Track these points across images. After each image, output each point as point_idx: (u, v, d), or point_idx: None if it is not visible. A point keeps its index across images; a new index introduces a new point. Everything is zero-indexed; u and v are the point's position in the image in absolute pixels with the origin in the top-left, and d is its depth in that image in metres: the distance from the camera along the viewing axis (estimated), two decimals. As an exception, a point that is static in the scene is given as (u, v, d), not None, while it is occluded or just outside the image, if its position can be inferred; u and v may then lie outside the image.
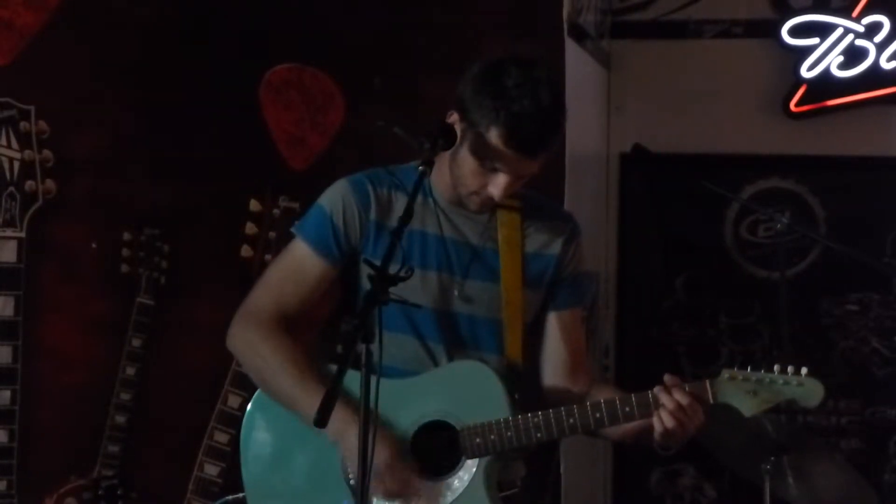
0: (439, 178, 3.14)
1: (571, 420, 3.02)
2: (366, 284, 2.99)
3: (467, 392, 3.07)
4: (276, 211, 4.63)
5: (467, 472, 3.05)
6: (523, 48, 3.12)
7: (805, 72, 5.49)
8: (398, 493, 3.04)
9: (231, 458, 4.57)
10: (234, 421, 4.57)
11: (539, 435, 3.03)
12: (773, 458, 3.94)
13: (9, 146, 4.34)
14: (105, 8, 4.51)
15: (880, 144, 5.55)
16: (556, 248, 3.19)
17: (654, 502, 5.64)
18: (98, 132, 4.48)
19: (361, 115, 4.67)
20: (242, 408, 4.55)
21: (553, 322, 3.22)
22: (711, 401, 2.99)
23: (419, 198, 3.09)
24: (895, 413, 5.53)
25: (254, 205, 4.62)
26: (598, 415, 3.01)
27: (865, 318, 5.54)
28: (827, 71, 5.47)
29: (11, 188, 4.35)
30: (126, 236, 4.51)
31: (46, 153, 4.37)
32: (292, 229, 3.24)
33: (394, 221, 3.08)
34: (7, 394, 4.35)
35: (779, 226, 4.81)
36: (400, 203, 3.14)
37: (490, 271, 3.15)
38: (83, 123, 4.46)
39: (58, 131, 4.39)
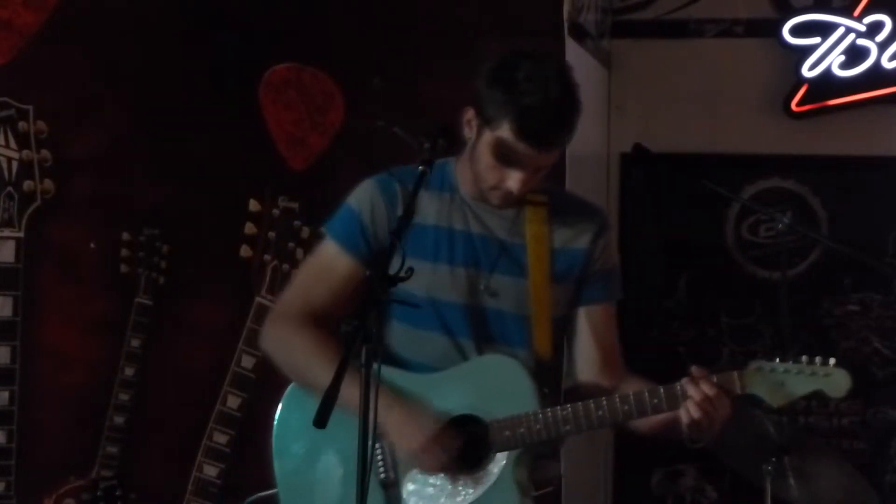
0: (464, 175, 3.17)
1: (600, 412, 3.03)
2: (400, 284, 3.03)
3: (496, 386, 3.08)
4: (275, 211, 4.63)
5: (496, 466, 3.05)
6: (524, 48, 3.12)
7: (806, 71, 5.48)
8: (446, 468, 3.05)
9: (230, 458, 4.57)
10: (233, 422, 4.57)
11: (568, 427, 3.03)
12: (774, 459, 3.94)
13: (7, 146, 4.34)
14: (105, 8, 4.51)
15: (882, 144, 5.54)
16: (584, 242, 3.19)
17: (654, 503, 5.63)
18: (97, 132, 4.48)
19: (361, 115, 4.66)
20: (241, 408, 4.58)
21: (584, 317, 3.22)
22: (739, 391, 2.99)
23: (446, 195, 3.16)
24: (896, 413, 5.53)
25: (253, 205, 4.62)
26: (626, 407, 3.02)
27: (866, 319, 5.53)
28: (828, 70, 5.46)
29: (10, 188, 4.35)
30: (125, 236, 4.51)
31: (45, 153, 4.37)
32: (321, 229, 3.26)
33: (420, 219, 3.13)
34: (6, 394, 4.35)
35: (780, 226, 4.80)
36: (426, 201, 3.16)
37: (518, 266, 3.15)
38: (82, 123, 4.46)
39: (56, 131, 4.39)
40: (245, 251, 4.60)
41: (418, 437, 3.03)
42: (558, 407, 3.05)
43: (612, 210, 5.63)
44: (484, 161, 3.05)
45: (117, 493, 4.49)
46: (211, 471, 4.57)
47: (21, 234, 4.35)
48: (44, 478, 4.43)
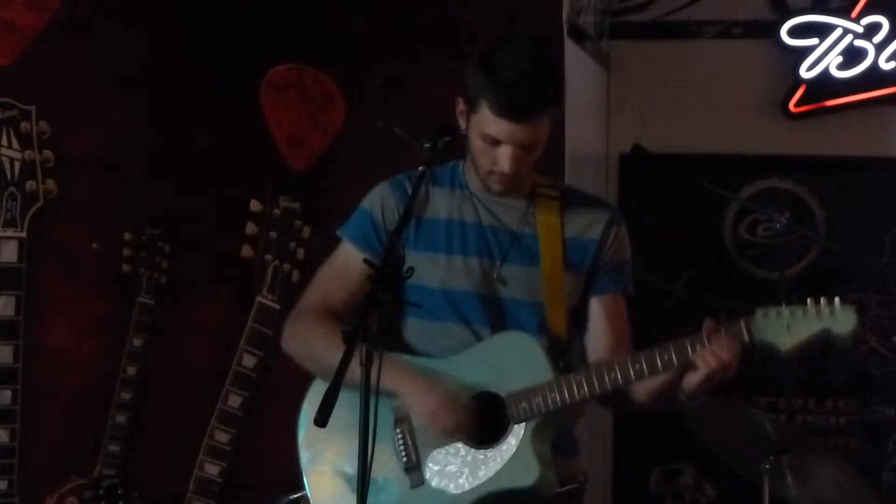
0: (470, 170, 3.22)
1: (612, 374, 3.05)
2: (414, 279, 3.07)
3: (510, 361, 3.11)
4: (276, 211, 4.64)
5: (515, 437, 3.08)
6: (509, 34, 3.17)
7: (804, 72, 5.49)
8: (461, 428, 3.08)
9: (232, 457, 4.58)
10: (234, 420, 4.58)
11: (582, 392, 3.05)
12: (772, 458, 3.94)
13: (10, 146, 4.35)
14: (105, 9, 4.52)
15: (879, 145, 5.55)
16: (596, 233, 3.22)
17: (653, 502, 5.64)
18: (99, 132, 4.49)
19: (361, 115, 4.67)
20: (243, 407, 4.59)
21: (595, 307, 3.25)
22: (747, 339, 3.01)
23: (457, 191, 3.21)
24: (894, 412, 5.53)
25: (254, 205, 4.63)
26: (637, 366, 3.04)
27: (864, 318, 5.53)
28: (826, 71, 5.47)
29: (12, 188, 4.36)
30: (127, 236, 4.52)
31: (47, 153, 4.38)
32: (337, 232, 3.29)
33: (431, 213, 3.20)
34: (8, 393, 4.36)
35: (778, 226, 4.81)
36: (438, 197, 3.22)
37: (530, 255, 3.19)
38: (84, 124, 4.47)
39: (58, 131, 4.40)
40: (246, 251, 4.61)
41: (433, 396, 3.07)
42: (571, 374, 3.08)
43: (611, 210, 5.64)
44: (476, 146, 3.11)
45: (119, 492, 4.50)
46: (212, 469, 4.58)
47: (23, 234, 4.36)
48: (46, 476, 4.44)
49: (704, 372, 3.00)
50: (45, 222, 4.39)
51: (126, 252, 4.53)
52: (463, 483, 3.09)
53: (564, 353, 3.19)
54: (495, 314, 3.18)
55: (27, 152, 4.36)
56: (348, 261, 3.23)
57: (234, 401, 4.58)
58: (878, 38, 5.43)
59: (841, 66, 5.46)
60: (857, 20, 5.44)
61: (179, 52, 4.59)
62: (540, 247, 3.19)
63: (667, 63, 5.66)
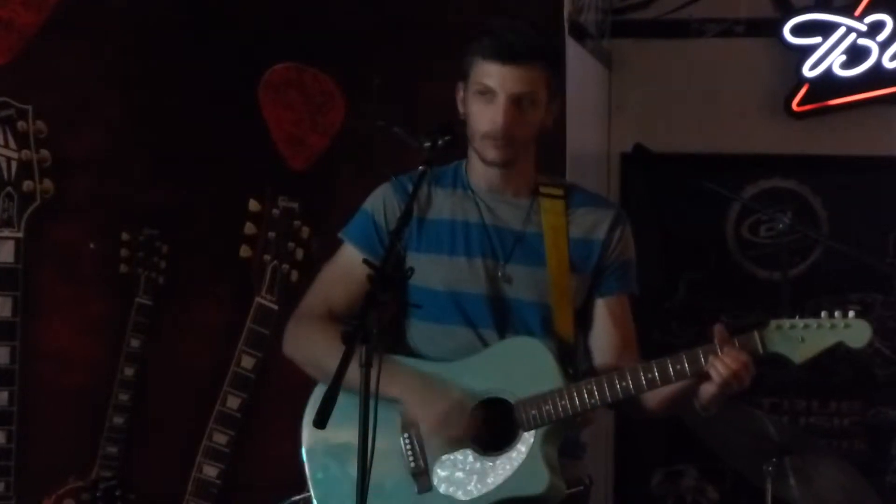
0: (472, 169, 3.22)
1: (624, 383, 3.04)
2: (414, 278, 3.08)
3: (520, 367, 3.10)
4: (275, 211, 4.63)
5: (524, 444, 3.07)
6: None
7: (807, 71, 5.47)
8: (464, 437, 3.07)
9: (230, 459, 4.57)
10: (233, 422, 4.57)
11: (593, 400, 3.04)
12: (775, 460, 3.93)
13: (6, 146, 4.34)
14: (104, 8, 4.51)
15: (882, 144, 5.54)
16: (600, 233, 3.21)
17: (655, 503, 5.63)
18: (96, 132, 4.48)
19: (361, 115, 4.66)
20: (242, 409, 4.57)
21: (600, 308, 3.24)
22: (761, 350, 3.00)
23: (459, 191, 3.21)
24: (897, 414, 5.53)
25: (253, 205, 4.62)
26: (649, 375, 3.03)
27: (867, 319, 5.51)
28: (829, 70, 5.46)
29: (9, 188, 4.34)
30: (124, 236, 4.51)
31: (44, 153, 4.37)
32: (339, 235, 3.28)
33: (434, 215, 3.20)
34: (5, 395, 4.35)
35: (780, 226, 4.80)
36: (440, 198, 3.21)
37: (535, 255, 3.18)
38: (81, 123, 4.46)
39: (56, 131, 4.39)
40: (245, 251, 4.60)
41: (439, 404, 3.06)
42: (582, 382, 3.07)
43: (613, 210, 5.63)
44: (473, 111, 3.12)
45: (117, 494, 4.49)
46: (211, 471, 4.56)
47: (20, 235, 4.34)
48: (43, 478, 4.43)
49: (718, 383, 2.99)
50: (42, 222, 4.37)
51: (124, 252, 4.51)
52: (472, 490, 3.08)
53: (571, 356, 3.19)
54: (500, 315, 3.16)
55: (24, 152, 4.35)
56: (350, 263, 3.20)
57: (233, 402, 4.57)
58: (881, 37, 5.42)
59: (844, 65, 5.45)
60: (860, 19, 5.43)
61: (178, 51, 4.58)
62: (546, 248, 3.18)
63: (669, 62, 5.65)
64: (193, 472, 4.55)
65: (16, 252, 4.34)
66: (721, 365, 2.98)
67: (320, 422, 2.66)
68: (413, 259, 3.17)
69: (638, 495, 5.63)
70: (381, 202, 3.22)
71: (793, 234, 5.05)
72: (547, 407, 3.05)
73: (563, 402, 3.04)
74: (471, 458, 3.09)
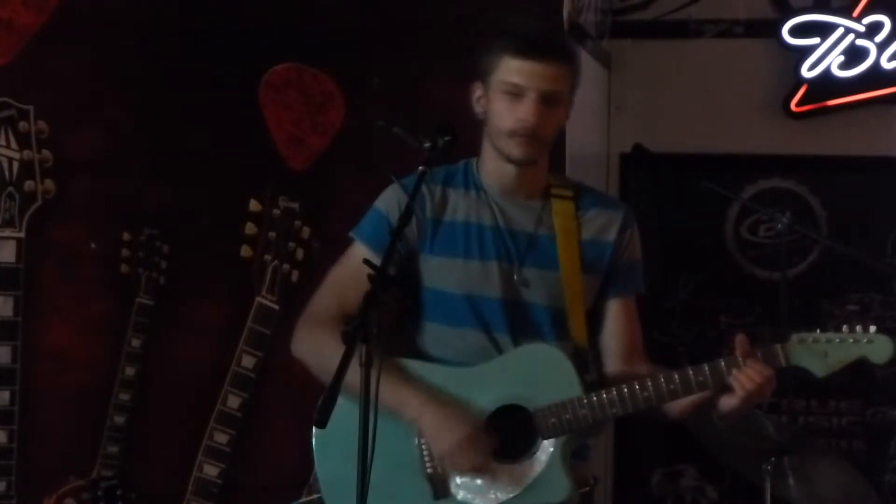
0: (486, 170, 3.22)
1: (646, 393, 3.04)
2: (429, 281, 3.11)
3: (538, 374, 3.09)
4: (275, 211, 4.63)
5: (544, 453, 3.06)
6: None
7: (806, 72, 5.48)
8: (477, 468, 3.06)
9: (231, 458, 4.57)
10: (233, 421, 4.57)
11: (614, 410, 3.05)
12: (774, 459, 3.94)
13: (8, 146, 4.34)
14: (105, 8, 4.51)
15: (881, 144, 5.54)
16: (611, 235, 3.22)
17: (654, 503, 5.63)
18: (97, 132, 4.48)
19: (361, 115, 4.66)
20: (242, 408, 4.58)
21: (611, 309, 3.24)
22: (784, 364, 3.01)
23: (472, 193, 3.20)
24: (896, 413, 5.53)
25: (253, 205, 4.62)
26: (671, 386, 3.04)
27: (866, 319, 5.46)
28: (828, 71, 5.47)
29: (10, 188, 4.35)
30: (125, 236, 4.51)
31: (45, 153, 4.37)
32: (350, 234, 3.25)
33: (449, 216, 3.18)
34: (6, 394, 4.35)
35: (779, 226, 4.80)
36: (454, 198, 3.20)
37: (547, 258, 3.18)
38: (82, 123, 4.46)
39: (57, 131, 4.39)
40: (245, 251, 4.60)
41: (450, 438, 3.04)
42: (602, 391, 3.06)
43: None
44: (497, 109, 3.11)
45: (118, 493, 4.49)
46: (211, 471, 4.56)
47: (22, 235, 4.35)
48: (44, 477, 4.43)
49: (741, 396, 3.00)
50: (43, 222, 4.38)
51: (125, 252, 4.51)
52: (491, 497, 3.08)
53: (586, 360, 3.19)
54: (515, 319, 3.16)
55: (25, 152, 4.35)
56: (361, 262, 3.14)
57: (234, 401, 4.57)
58: (879, 38, 5.42)
59: (843, 66, 5.45)
60: (858, 19, 5.43)
61: (179, 51, 4.58)
62: (558, 251, 3.18)
63: (668, 62, 5.65)
64: (194, 472, 4.55)
65: (17, 252, 4.34)
66: (745, 378, 2.99)
67: (321, 421, 2.66)
68: (428, 262, 3.17)
69: (637, 495, 5.63)
70: (396, 202, 3.18)
71: (792, 234, 5.05)
72: (567, 416, 3.05)
73: (584, 412, 3.05)
74: (491, 466, 3.07)
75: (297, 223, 4.64)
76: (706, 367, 3.03)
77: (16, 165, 4.35)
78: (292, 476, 4.06)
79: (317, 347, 3.19)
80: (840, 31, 5.44)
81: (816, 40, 5.47)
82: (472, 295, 3.15)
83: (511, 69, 3.08)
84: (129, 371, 4.50)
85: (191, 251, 4.59)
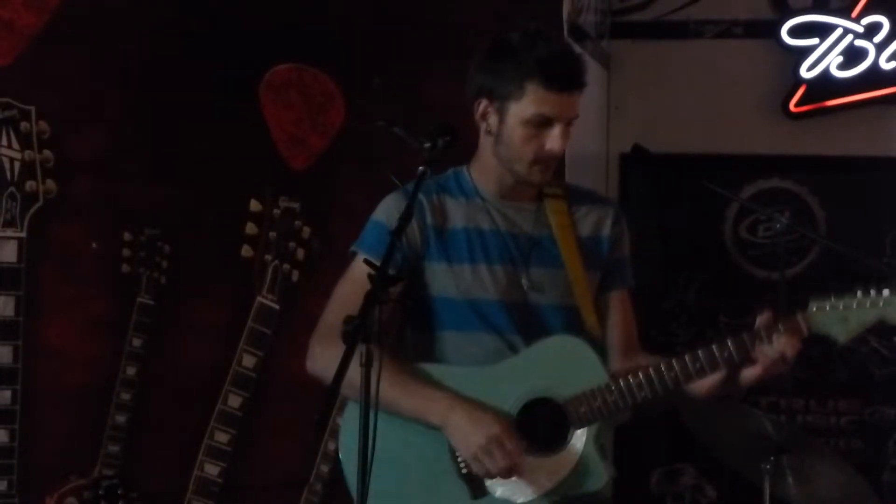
0: (483, 176, 3.21)
1: (672, 373, 3.04)
2: (436, 289, 3.11)
3: (563, 365, 3.09)
4: (276, 211, 4.64)
5: (579, 442, 3.07)
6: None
7: (805, 72, 5.49)
8: (509, 469, 3.04)
9: (231, 458, 4.58)
10: (234, 421, 4.58)
11: (643, 393, 3.05)
12: (772, 458, 3.94)
13: (9, 146, 4.34)
14: (105, 8, 4.51)
15: (880, 145, 5.55)
16: (606, 230, 3.24)
17: (654, 502, 5.64)
18: (98, 132, 4.49)
19: (361, 115, 4.66)
20: (243, 408, 4.58)
21: (609, 304, 3.26)
22: (806, 332, 3.01)
23: (467, 200, 3.20)
24: (894, 413, 5.54)
25: (254, 205, 4.63)
26: (698, 364, 3.03)
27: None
28: (826, 71, 5.47)
29: (12, 188, 4.35)
30: (126, 236, 4.51)
31: (47, 153, 4.38)
32: (351, 248, 3.23)
33: (450, 224, 3.18)
34: (7, 394, 4.35)
35: (778, 226, 4.82)
36: (451, 205, 3.20)
37: (551, 257, 3.19)
38: (83, 124, 4.46)
39: (58, 131, 4.40)
40: (246, 251, 4.61)
41: (477, 441, 3.02)
42: (629, 375, 3.06)
43: (612, 210, 5.64)
44: (518, 137, 3.10)
45: (119, 492, 4.49)
46: (212, 470, 4.57)
47: (23, 235, 4.35)
48: (46, 477, 4.43)
49: (764, 365, 3.01)
50: (44, 222, 4.38)
51: (126, 252, 4.52)
52: (529, 491, 3.07)
53: (603, 352, 3.18)
54: (523, 320, 3.16)
55: (27, 152, 4.36)
56: (366, 276, 3.10)
57: (234, 401, 4.57)
58: (878, 38, 5.43)
59: (841, 66, 5.46)
60: (857, 20, 5.44)
61: (179, 52, 4.58)
62: (560, 248, 3.19)
63: (667, 63, 5.66)
64: (195, 471, 4.55)
65: (18, 252, 4.35)
66: (770, 349, 2.98)
67: (322, 421, 2.66)
68: (433, 270, 3.17)
69: (637, 494, 5.63)
70: (395, 212, 3.13)
71: (790, 234, 5.07)
72: (597, 403, 3.05)
73: (613, 398, 3.05)
74: (526, 460, 3.06)
75: (298, 223, 4.65)
76: (729, 342, 3.02)
77: (17, 165, 4.35)
78: (292, 475, 4.08)
79: (330, 362, 3.15)
80: (839, 31, 5.45)
81: (815, 41, 5.48)
82: (474, 299, 3.15)
83: (540, 100, 3.06)
84: (130, 370, 4.50)
85: (192, 251, 4.59)
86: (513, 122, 3.09)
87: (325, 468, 4.57)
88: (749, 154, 5.61)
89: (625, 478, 5.56)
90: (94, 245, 4.48)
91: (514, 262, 3.17)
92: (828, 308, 3.01)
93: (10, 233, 4.34)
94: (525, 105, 3.07)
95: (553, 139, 3.09)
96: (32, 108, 4.36)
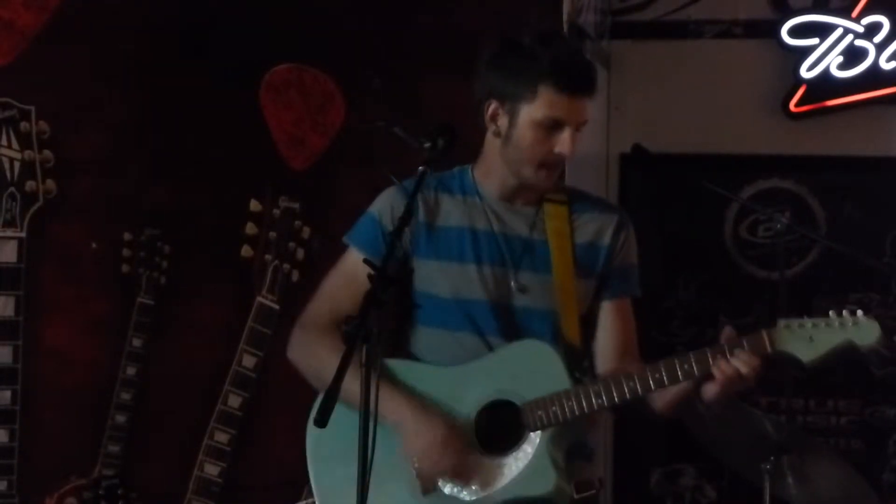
0: (486, 177, 3.21)
1: (631, 383, 3.03)
2: (422, 285, 3.10)
3: (526, 369, 3.09)
4: (276, 211, 4.64)
5: (531, 445, 3.07)
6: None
7: (805, 72, 5.48)
8: (454, 470, 3.07)
9: (231, 457, 4.58)
10: (234, 421, 4.58)
11: (600, 401, 3.04)
12: (772, 459, 3.94)
13: (9, 146, 4.35)
14: (105, 8, 4.52)
15: (880, 145, 5.55)
16: (606, 239, 3.22)
17: (654, 502, 5.64)
18: (98, 132, 4.49)
19: (361, 115, 4.67)
20: (242, 408, 4.59)
21: (603, 312, 3.24)
22: (769, 350, 3.00)
23: (466, 199, 3.20)
24: (894, 413, 5.53)
25: (254, 205, 4.63)
26: (657, 375, 3.03)
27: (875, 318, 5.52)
28: (827, 71, 5.47)
29: (12, 188, 4.36)
30: (126, 236, 4.52)
31: (47, 153, 4.38)
32: (343, 239, 3.26)
33: (442, 221, 3.18)
34: (7, 394, 4.36)
35: (778, 226, 4.81)
36: (447, 204, 3.20)
37: (542, 262, 3.18)
38: (83, 123, 4.47)
39: (58, 131, 4.41)
40: (246, 251, 4.61)
41: (424, 440, 3.06)
42: (588, 383, 3.07)
43: (612, 210, 5.64)
44: (528, 139, 3.09)
45: (119, 492, 4.50)
46: (212, 470, 4.57)
47: (23, 234, 4.36)
48: (46, 477, 4.44)
49: (721, 382, 2.99)
50: (44, 222, 4.39)
51: (126, 252, 4.53)
52: (477, 490, 3.08)
53: (579, 360, 3.18)
54: (508, 323, 3.16)
55: (27, 152, 4.36)
56: (355, 268, 3.17)
57: (234, 401, 4.58)
58: (878, 38, 5.43)
59: (841, 66, 5.46)
60: (857, 20, 5.44)
61: (179, 51, 4.59)
62: (551, 254, 3.18)
63: (667, 63, 5.65)
64: (195, 471, 4.56)
65: (18, 252, 4.35)
66: (727, 365, 2.97)
67: (321, 420, 2.66)
68: (422, 266, 3.17)
69: (636, 495, 5.64)
70: (389, 206, 3.19)
71: (791, 235, 5.06)
72: (553, 408, 3.05)
73: (570, 403, 3.04)
74: (477, 459, 3.08)
75: (298, 223, 4.65)
76: (691, 356, 3.02)
77: (17, 165, 4.36)
78: (293, 475, 4.05)
79: (307, 351, 3.22)
80: (839, 31, 5.45)
81: (815, 41, 5.47)
82: (464, 299, 3.15)
83: (553, 103, 3.05)
84: (130, 370, 4.51)
85: (192, 251, 4.60)
86: (523, 124, 3.08)
87: (325, 468, 4.57)
88: (749, 154, 5.61)
89: (625, 478, 5.61)
90: (94, 245, 4.49)
91: (505, 264, 3.17)
92: (796, 327, 3.00)
93: (10, 233, 4.35)
94: (537, 107, 3.06)
95: (562, 143, 3.08)
96: (32, 108, 4.37)
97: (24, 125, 4.36)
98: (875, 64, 5.44)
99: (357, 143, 4.65)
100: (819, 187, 5.59)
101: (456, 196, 3.21)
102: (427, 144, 3.02)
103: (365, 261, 2.97)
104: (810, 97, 5.52)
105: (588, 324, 3.25)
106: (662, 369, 3.03)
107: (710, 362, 3.00)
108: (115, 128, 4.52)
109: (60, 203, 4.41)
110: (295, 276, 4.62)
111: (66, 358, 4.44)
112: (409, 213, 2.99)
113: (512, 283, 3.16)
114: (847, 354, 3.02)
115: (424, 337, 3.21)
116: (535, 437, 3.06)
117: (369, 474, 2.72)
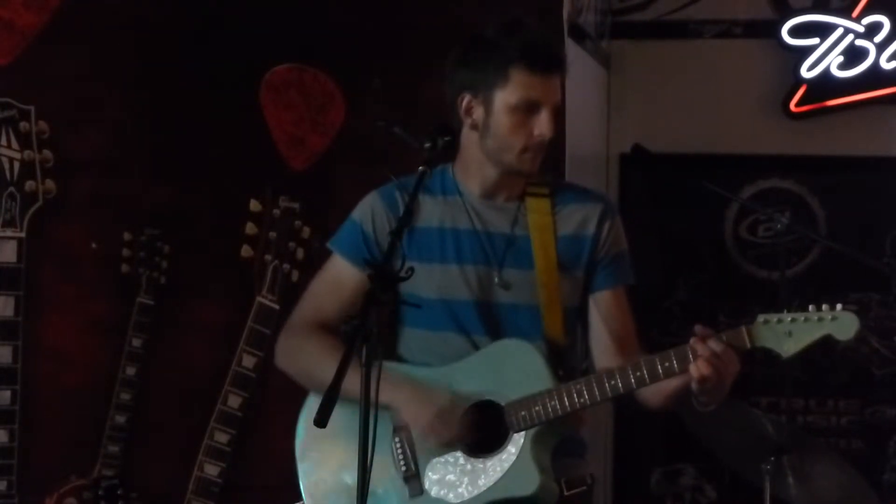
0: (466, 174, 3.19)
1: (613, 381, 3.02)
2: (405, 286, 3.06)
3: (510, 369, 3.09)
4: (276, 211, 4.64)
5: (514, 445, 3.06)
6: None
7: (805, 72, 5.49)
8: (452, 440, 3.07)
9: (231, 458, 4.58)
10: (234, 421, 4.58)
11: (582, 400, 3.03)
12: (773, 459, 3.94)
13: (9, 146, 4.35)
14: (105, 8, 4.52)
15: (880, 144, 5.55)
16: (590, 229, 3.19)
17: (654, 502, 5.64)
18: (98, 132, 4.49)
19: (361, 115, 4.67)
20: (242, 408, 4.59)
21: (596, 304, 3.22)
22: (749, 345, 2.99)
23: (447, 198, 3.19)
24: (894, 413, 5.54)
25: (254, 205, 4.63)
26: (638, 374, 3.01)
27: (865, 319, 5.50)
28: (827, 71, 5.47)
29: (11, 188, 4.36)
30: (126, 236, 4.52)
31: (46, 153, 4.38)
32: (327, 245, 3.27)
33: (424, 222, 3.17)
34: (7, 394, 4.36)
35: (778, 226, 4.81)
36: (428, 205, 3.19)
37: (525, 258, 3.16)
38: (83, 123, 4.47)
39: (58, 131, 4.41)
40: (246, 251, 4.61)
41: (429, 408, 3.06)
42: (571, 382, 3.05)
43: (612, 210, 5.64)
44: (505, 126, 3.08)
45: (118, 493, 4.50)
46: (212, 470, 4.58)
47: (23, 235, 4.36)
48: (45, 477, 4.44)
49: (698, 378, 2.96)
50: (44, 222, 4.39)
51: (125, 252, 4.53)
52: (462, 492, 3.08)
53: (563, 357, 3.17)
54: (493, 321, 3.15)
55: (26, 152, 4.37)
56: (339, 273, 3.21)
57: (234, 401, 4.58)
58: (878, 38, 5.43)
59: (842, 66, 5.46)
60: (857, 20, 5.44)
61: (179, 52, 4.59)
62: (533, 249, 3.16)
63: (667, 63, 5.66)
64: (195, 471, 4.56)
65: (18, 252, 4.35)
66: (702, 361, 2.95)
67: (321, 420, 2.65)
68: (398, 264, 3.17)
69: (636, 494, 5.64)
70: (370, 211, 3.19)
71: (791, 234, 5.06)
72: (536, 408, 3.03)
73: (553, 403, 3.03)
74: (462, 461, 3.08)
75: (298, 223, 4.66)
76: (672, 353, 3.00)
77: (17, 165, 4.36)
78: (293, 476, 4.06)
79: (295, 354, 3.23)
80: (839, 31, 5.45)
81: (816, 41, 5.48)
82: (448, 299, 3.15)
83: (527, 85, 3.05)
84: (130, 370, 4.51)
85: (191, 251, 4.60)
86: (500, 110, 3.07)
87: (325, 468, 4.57)
88: (749, 154, 5.62)
89: (625, 478, 5.61)
90: (93, 245, 4.49)
91: (489, 262, 3.16)
92: (774, 321, 3.00)
93: (9, 233, 4.35)
94: (511, 91, 3.06)
95: (541, 124, 3.07)
96: (32, 108, 4.37)
97: (23, 125, 4.36)
98: (875, 64, 5.45)
99: (357, 143, 4.65)
100: (819, 187, 5.60)
101: (436, 196, 3.20)
102: (427, 144, 3.01)
103: (366, 260, 2.98)
104: (810, 97, 5.53)
105: (583, 317, 3.23)
106: (644, 367, 3.01)
107: (691, 358, 2.98)
108: (115, 128, 4.52)
109: (60, 203, 4.41)
110: (295, 276, 4.62)
111: (66, 358, 4.44)
112: (408, 213, 2.98)
113: (496, 281, 3.15)
114: (828, 347, 3.02)
115: (410, 338, 3.21)
116: (518, 438, 3.05)
117: (369, 474, 2.71)
